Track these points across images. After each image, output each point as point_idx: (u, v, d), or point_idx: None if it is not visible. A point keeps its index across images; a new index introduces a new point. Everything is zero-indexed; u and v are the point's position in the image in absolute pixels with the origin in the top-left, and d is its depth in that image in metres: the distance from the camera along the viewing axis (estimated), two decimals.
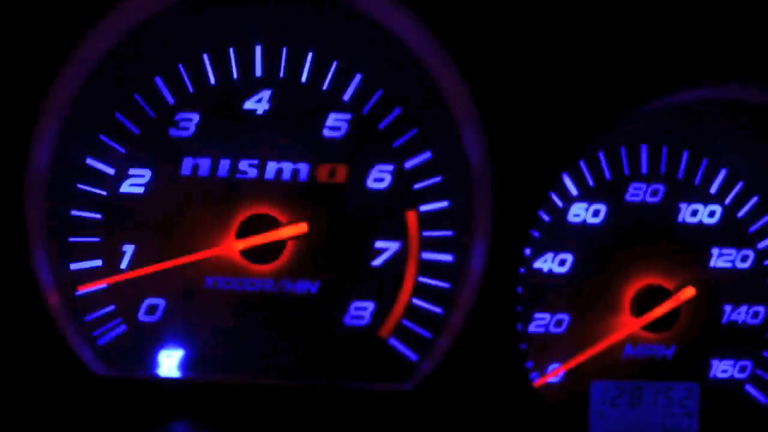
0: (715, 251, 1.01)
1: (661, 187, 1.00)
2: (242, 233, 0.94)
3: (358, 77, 0.96)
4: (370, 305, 0.97)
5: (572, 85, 0.87)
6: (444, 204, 0.97)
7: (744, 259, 1.02)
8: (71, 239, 0.94)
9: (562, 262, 0.99)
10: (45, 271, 0.89)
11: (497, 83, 0.86)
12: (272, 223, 0.94)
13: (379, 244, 0.97)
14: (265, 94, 0.95)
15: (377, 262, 0.97)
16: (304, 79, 0.96)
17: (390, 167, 0.96)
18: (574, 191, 0.99)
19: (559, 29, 0.87)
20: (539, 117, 0.87)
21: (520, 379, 0.90)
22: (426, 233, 0.97)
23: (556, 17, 0.87)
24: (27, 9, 0.82)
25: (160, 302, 0.95)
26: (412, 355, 0.97)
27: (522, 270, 0.97)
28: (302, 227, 0.95)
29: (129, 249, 0.95)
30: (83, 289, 0.94)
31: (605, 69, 0.87)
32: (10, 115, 0.83)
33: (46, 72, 0.83)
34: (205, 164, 0.95)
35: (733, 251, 1.01)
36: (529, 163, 0.86)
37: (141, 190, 0.95)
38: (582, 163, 0.98)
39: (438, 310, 0.97)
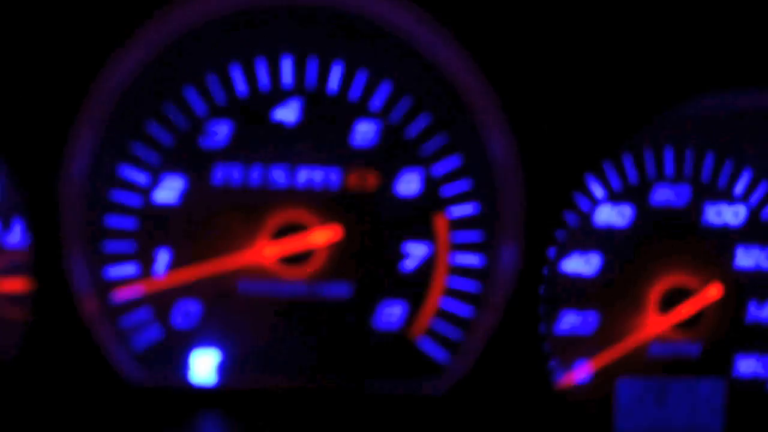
0: (740, 251, 1.02)
1: (686, 189, 1.01)
2: (275, 239, 0.96)
3: (386, 86, 0.97)
4: (400, 307, 0.98)
5: (598, 89, 0.88)
6: (472, 207, 0.98)
7: None
8: (107, 246, 0.96)
9: (589, 264, 1.00)
10: (81, 277, 0.90)
11: (523, 88, 0.87)
12: (304, 229, 0.96)
13: (408, 247, 0.98)
14: (295, 103, 0.97)
15: (407, 265, 0.98)
16: (333, 88, 0.97)
17: (418, 173, 0.98)
18: (600, 194, 1.00)
19: (586, 33, 0.87)
20: (564, 121, 0.87)
21: (543, 379, 0.92)
22: (454, 236, 0.98)
23: (585, 22, 0.87)
24: (65, 22, 0.84)
25: (195, 307, 0.97)
26: (441, 355, 0.99)
27: (549, 271, 0.98)
28: (335, 231, 0.96)
29: (163, 255, 0.97)
30: (119, 295, 0.96)
31: (633, 72, 0.88)
32: (48, 126, 0.84)
33: (82, 83, 0.85)
34: (236, 173, 0.96)
35: (757, 250, 1.02)
36: (555, 166, 0.87)
37: (174, 198, 0.96)
38: (607, 166, 0.99)
39: (466, 311, 0.98)
